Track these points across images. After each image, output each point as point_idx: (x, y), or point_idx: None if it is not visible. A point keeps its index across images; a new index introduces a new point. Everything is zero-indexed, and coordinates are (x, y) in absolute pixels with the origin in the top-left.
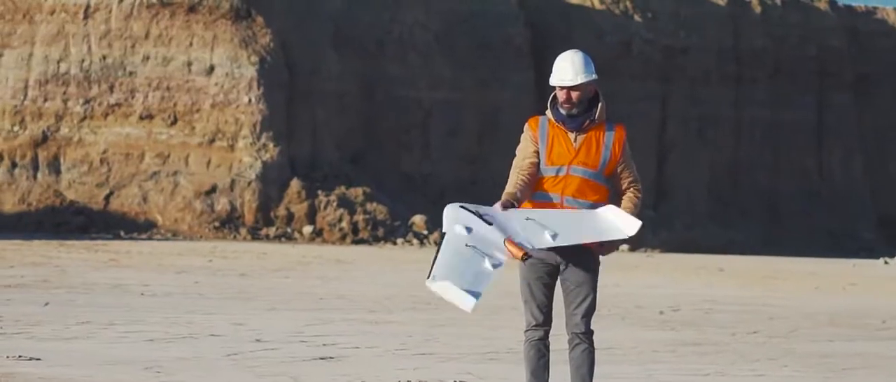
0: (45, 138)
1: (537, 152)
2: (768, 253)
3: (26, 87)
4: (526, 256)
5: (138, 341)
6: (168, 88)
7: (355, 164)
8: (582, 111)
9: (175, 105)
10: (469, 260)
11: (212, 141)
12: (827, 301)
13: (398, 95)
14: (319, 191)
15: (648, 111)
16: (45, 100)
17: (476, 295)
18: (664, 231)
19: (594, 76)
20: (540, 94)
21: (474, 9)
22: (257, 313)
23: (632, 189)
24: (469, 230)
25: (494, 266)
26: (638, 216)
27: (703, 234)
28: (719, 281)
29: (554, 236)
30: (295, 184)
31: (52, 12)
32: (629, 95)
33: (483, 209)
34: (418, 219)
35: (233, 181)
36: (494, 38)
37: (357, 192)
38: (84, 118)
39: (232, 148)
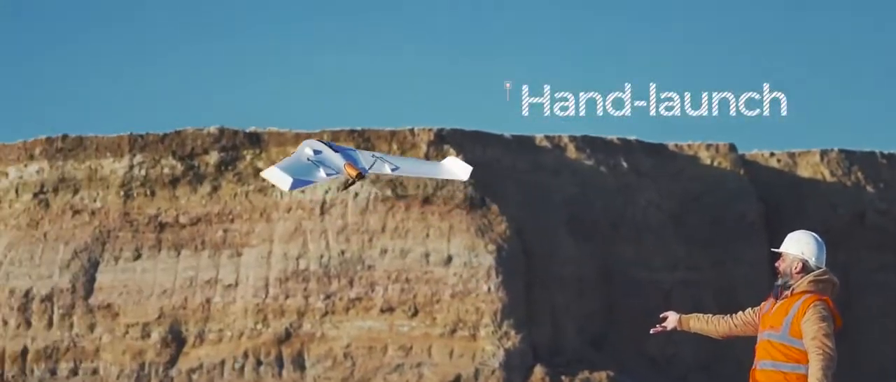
0: (288, 335)
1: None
2: None
3: (267, 285)
4: (359, 175)
5: None
6: (407, 280)
7: (597, 348)
8: (786, 282)
9: (415, 296)
10: (306, 165)
11: (453, 331)
12: None
13: (636, 277)
14: (563, 377)
15: (886, 281)
16: (287, 297)
17: (300, 182)
18: None
19: (791, 252)
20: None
21: (706, 187)
22: None
23: (814, 358)
24: (317, 152)
25: (328, 175)
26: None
27: None
28: None
29: (394, 169)
30: (538, 370)
31: (289, 210)
32: (865, 266)
33: (337, 146)
34: None
35: (476, 370)
36: (727, 216)
37: (601, 376)
38: (326, 313)
39: (474, 337)
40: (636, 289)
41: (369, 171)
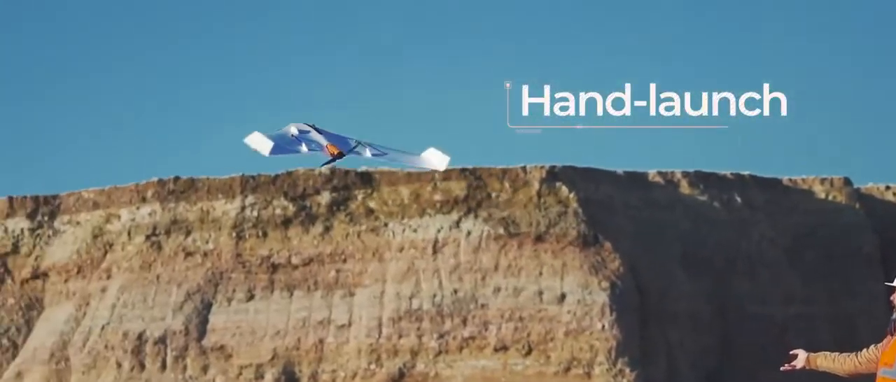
0: (401, 375)
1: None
2: None
3: (380, 325)
4: (339, 154)
5: None
6: (521, 318)
7: None
8: None
9: (529, 334)
10: (289, 138)
11: (567, 369)
12: None
13: (751, 312)
14: None
15: None
16: (400, 336)
17: (280, 149)
18: None
19: None
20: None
21: (821, 221)
22: None
23: None
24: (302, 132)
25: (310, 149)
26: None
27: None
28: None
29: (376, 154)
30: None
31: (402, 249)
32: None
33: (322, 129)
34: None
35: None
36: (843, 249)
37: None
38: (439, 352)
39: (589, 375)
40: (751, 324)
41: (351, 153)
